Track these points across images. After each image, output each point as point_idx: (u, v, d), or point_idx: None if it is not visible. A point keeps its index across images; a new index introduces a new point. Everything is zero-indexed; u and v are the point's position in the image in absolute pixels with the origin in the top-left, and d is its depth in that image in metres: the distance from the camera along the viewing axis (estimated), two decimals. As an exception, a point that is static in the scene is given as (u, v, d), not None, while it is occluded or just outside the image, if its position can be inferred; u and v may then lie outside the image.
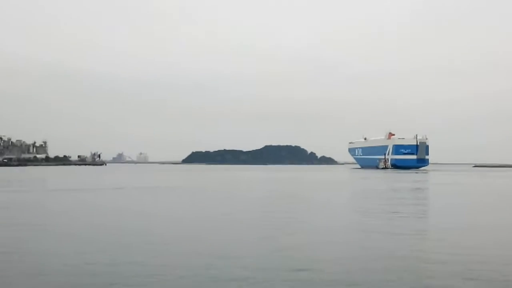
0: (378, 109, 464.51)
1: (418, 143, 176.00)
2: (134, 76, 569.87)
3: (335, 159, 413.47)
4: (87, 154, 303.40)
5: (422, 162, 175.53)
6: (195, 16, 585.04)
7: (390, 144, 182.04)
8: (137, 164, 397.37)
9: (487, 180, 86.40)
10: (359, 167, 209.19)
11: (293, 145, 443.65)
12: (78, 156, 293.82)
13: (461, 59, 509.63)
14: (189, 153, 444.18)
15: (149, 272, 13.12)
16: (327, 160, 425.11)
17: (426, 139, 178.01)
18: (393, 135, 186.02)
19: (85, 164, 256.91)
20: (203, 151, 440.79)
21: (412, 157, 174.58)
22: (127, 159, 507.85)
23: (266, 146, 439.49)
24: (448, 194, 47.50)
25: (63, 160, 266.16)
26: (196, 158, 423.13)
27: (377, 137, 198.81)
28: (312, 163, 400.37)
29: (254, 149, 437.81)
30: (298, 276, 12.76)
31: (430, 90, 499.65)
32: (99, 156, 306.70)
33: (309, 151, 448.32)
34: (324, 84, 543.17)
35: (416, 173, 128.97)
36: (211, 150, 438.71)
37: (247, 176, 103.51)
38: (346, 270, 13.37)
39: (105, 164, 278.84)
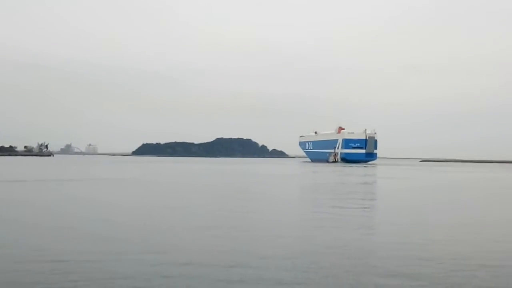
0: (331, 105, 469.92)
1: (367, 138, 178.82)
2: (83, 65, 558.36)
3: (286, 152, 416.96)
4: (33, 144, 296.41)
5: (370, 156, 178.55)
6: (158, 6, 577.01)
7: (340, 138, 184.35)
8: (86, 155, 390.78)
9: (433, 174, 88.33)
10: (310, 160, 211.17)
11: (245, 138, 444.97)
12: (25, 147, 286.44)
13: (421, 59, 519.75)
14: (139, 145, 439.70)
15: (86, 267, 12.78)
16: (278, 153, 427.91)
17: (375, 133, 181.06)
18: (343, 129, 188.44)
19: (32, 155, 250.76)
20: (154, 143, 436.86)
21: (361, 151, 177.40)
22: (76, 150, 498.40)
23: (217, 139, 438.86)
24: (396, 188, 48.36)
25: (9, 151, 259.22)
26: (147, 150, 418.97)
27: (327, 131, 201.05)
28: (264, 156, 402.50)
29: (205, 141, 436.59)
30: (244, 272, 12.62)
31: (385, 88, 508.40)
32: (46, 146, 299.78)
33: (260, 144, 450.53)
34: (278, 78, 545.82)
35: (365, 167, 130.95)
36: (162, 142, 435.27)
37: (198, 168, 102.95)
38: (292, 265, 13.30)
39: (53, 155, 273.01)
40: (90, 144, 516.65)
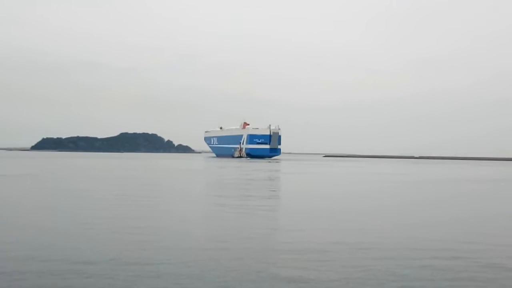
0: (236, 101, 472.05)
1: (271, 133, 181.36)
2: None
3: (192, 147, 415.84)
4: None
5: (274, 152, 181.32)
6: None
7: (245, 134, 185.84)
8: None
9: (334, 169, 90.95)
10: (215, 156, 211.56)
11: (150, 132, 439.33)
12: None
13: (320, 49, 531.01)
14: (39, 139, 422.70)
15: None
16: (184, 149, 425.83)
17: (279, 129, 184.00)
18: (248, 125, 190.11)
19: None
20: (55, 137, 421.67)
21: (266, 147, 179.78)
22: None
23: (122, 134, 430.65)
24: (299, 185, 49.39)
25: None
26: (47, 144, 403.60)
27: (232, 127, 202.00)
28: (169, 151, 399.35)
29: (109, 136, 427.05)
30: (142, 269, 12.36)
31: (292, 86, 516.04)
32: None
33: (166, 139, 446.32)
34: (183, 72, 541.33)
35: (269, 162, 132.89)
36: (63, 137, 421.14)
37: (101, 163, 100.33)
38: (193, 261, 13.15)
39: None
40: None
